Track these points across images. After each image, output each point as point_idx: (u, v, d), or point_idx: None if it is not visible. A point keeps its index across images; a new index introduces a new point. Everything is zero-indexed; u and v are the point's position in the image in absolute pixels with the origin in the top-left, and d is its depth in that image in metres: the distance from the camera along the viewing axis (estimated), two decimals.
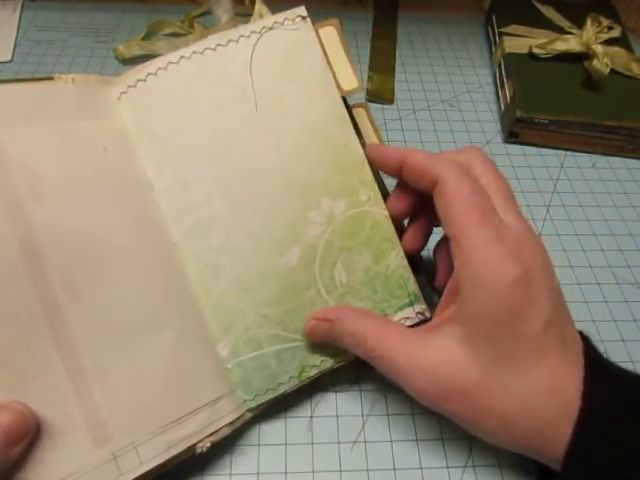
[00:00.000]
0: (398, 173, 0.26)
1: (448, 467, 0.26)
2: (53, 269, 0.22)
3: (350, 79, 0.28)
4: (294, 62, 0.27)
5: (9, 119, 0.23)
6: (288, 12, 0.28)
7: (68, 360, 0.22)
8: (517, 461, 0.26)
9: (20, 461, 0.21)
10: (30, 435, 0.21)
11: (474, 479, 0.26)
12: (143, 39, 0.48)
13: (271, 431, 0.27)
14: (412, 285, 0.28)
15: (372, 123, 0.30)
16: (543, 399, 0.22)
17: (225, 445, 0.26)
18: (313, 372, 0.27)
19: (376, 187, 0.28)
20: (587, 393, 0.21)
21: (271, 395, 0.26)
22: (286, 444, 0.27)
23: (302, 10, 0.28)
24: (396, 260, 0.27)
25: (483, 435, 0.24)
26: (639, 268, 0.35)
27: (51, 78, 0.25)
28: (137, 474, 0.22)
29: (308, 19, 0.28)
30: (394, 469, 0.26)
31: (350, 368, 0.28)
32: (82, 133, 0.25)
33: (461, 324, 0.23)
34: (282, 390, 0.26)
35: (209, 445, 0.24)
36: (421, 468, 0.26)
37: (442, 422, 0.28)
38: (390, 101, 0.46)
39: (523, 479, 0.26)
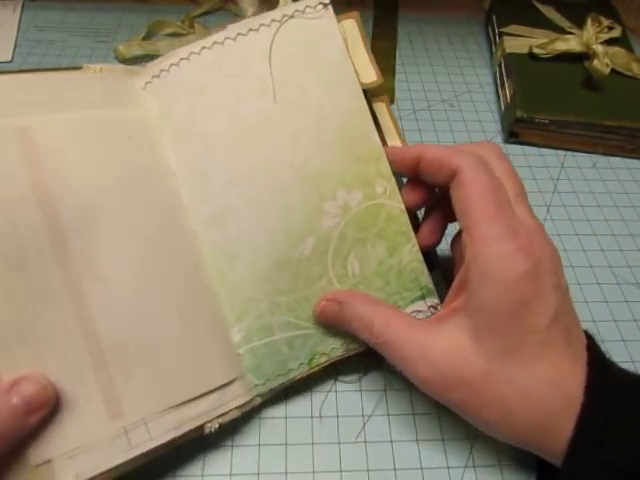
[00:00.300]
0: (414, 170, 0.26)
1: (448, 467, 0.26)
2: (77, 251, 0.23)
3: (369, 72, 0.28)
4: (314, 51, 0.27)
5: (37, 106, 0.24)
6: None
7: (88, 336, 0.23)
8: (517, 461, 0.27)
9: (38, 429, 0.22)
10: (50, 407, 0.22)
11: (474, 479, 0.26)
12: (143, 39, 0.48)
13: (271, 431, 0.27)
14: (425, 279, 0.28)
15: (391, 116, 0.30)
16: (546, 392, 0.22)
17: (225, 445, 0.27)
18: (323, 359, 0.27)
19: (393, 180, 0.28)
20: (590, 389, 0.21)
21: (282, 380, 0.26)
22: (286, 444, 0.27)
23: None
24: (410, 254, 0.27)
25: (484, 426, 0.24)
26: (639, 268, 0.35)
27: (79, 67, 0.26)
28: (146, 449, 0.23)
29: (330, 7, 0.27)
30: (394, 469, 0.26)
31: (357, 362, 0.28)
32: (108, 121, 0.25)
33: (468, 315, 0.23)
34: (292, 375, 0.27)
35: (217, 426, 0.25)
36: (421, 468, 0.26)
37: (442, 422, 0.28)
38: (390, 101, 0.46)
39: (523, 479, 0.26)
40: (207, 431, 0.25)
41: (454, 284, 0.25)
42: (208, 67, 0.27)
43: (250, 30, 0.27)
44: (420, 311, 0.28)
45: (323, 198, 0.27)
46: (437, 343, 0.23)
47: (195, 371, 0.25)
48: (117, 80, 0.26)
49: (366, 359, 0.30)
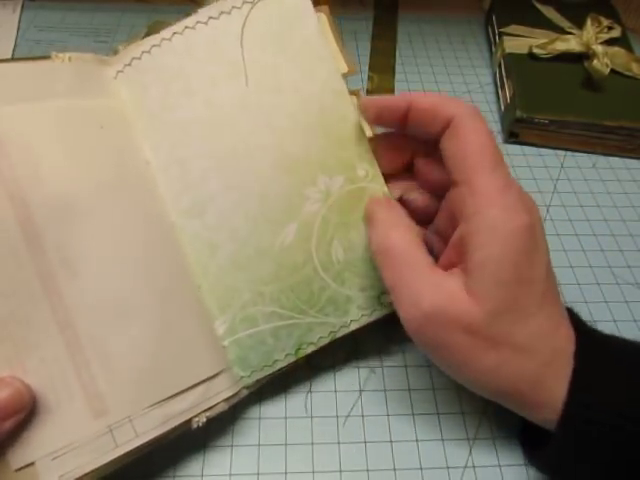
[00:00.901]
0: (401, 121, 0.25)
1: (448, 467, 0.26)
2: (51, 246, 0.23)
3: (340, 65, 0.27)
4: (288, 32, 0.26)
5: (5, 96, 0.23)
6: None
7: (67, 333, 0.23)
8: (517, 461, 0.27)
9: (18, 432, 0.21)
10: (25, 411, 0.21)
11: (474, 479, 0.26)
12: (143, 39, 0.48)
13: (271, 431, 0.27)
14: None
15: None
16: (540, 344, 0.22)
17: (225, 445, 0.27)
18: (310, 349, 0.27)
19: (375, 163, 0.27)
20: (578, 339, 0.22)
21: (267, 371, 0.26)
22: (286, 444, 0.27)
23: None
24: None
25: (474, 376, 0.23)
26: (639, 268, 0.35)
27: (48, 57, 0.25)
28: (132, 446, 0.23)
29: None
30: (394, 469, 0.26)
31: (356, 364, 0.29)
32: (79, 111, 0.25)
33: (470, 272, 0.22)
34: (278, 367, 0.26)
35: (205, 420, 0.24)
36: (421, 468, 0.26)
37: (442, 422, 0.28)
38: None
39: (522, 479, 0.26)
40: (195, 426, 0.24)
41: (449, 247, 0.24)
42: (180, 52, 0.26)
43: (222, 13, 0.26)
44: None
45: (304, 183, 0.26)
46: (447, 283, 0.22)
47: (179, 365, 0.24)
48: (87, 69, 0.26)
49: (366, 362, 0.30)
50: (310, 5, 0.27)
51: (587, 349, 0.22)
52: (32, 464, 0.21)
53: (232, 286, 0.26)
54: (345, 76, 0.27)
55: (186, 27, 0.26)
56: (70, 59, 0.25)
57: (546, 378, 0.22)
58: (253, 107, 0.26)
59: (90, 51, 0.50)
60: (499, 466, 0.26)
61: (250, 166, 0.26)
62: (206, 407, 0.25)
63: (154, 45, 0.26)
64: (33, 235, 0.22)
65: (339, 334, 0.27)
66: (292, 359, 0.27)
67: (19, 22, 0.51)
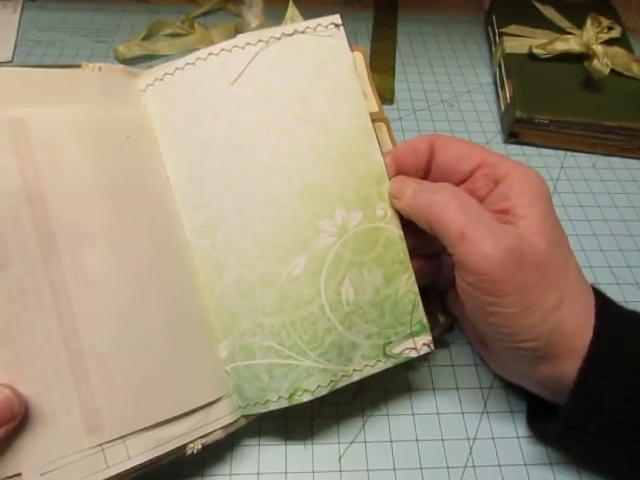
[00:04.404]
0: (427, 164, 0.27)
1: (448, 467, 0.26)
2: (65, 253, 0.22)
3: (371, 103, 0.28)
4: (322, 66, 0.27)
5: (34, 99, 0.23)
6: (322, 19, 0.27)
7: (70, 343, 0.22)
8: (517, 461, 0.27)
9: (7, 441, 0.21)
10: (15, 421, 0.21)
11: (474, 479, 0.26)
12: (143, 39, 0.48)
13: (271, 431, 0.27)
14: (420, 313, 0.26)
15: (392, 139, 0.30)
16: (578, 302, 0.24)
17: (225, 445, 0.27)
18: (305, 398, 0.24)
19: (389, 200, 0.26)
20: (601, 312, 0.24)
21: (260, 409, 0.25)
22: (286, 444, 0.27)
23: (337, 18, 0.27)
24: (407, 285, 0.26)
25: (538, 321, 0.23)
26: (639, 268, 0.35)
27: (78, 65, 0.25)
28: (123, 469, 0.22)
29: (342, 27, 0.27)
30: (394, 469, 0.26)
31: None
32: (106, 118, 0.25)
33: (521, 218, 0.24)
34: (270, 408, 0.25)
35: (200, 447, 0.24)
36: (421, 468, 0.26)
37: (442, 422, 0.28)
38: (390, 101, 0.46)
39: (522, 479, 0.26)
40: (189, 452, 0.24)
41: (492, 206, 0.25)
42: (213, 73, 0.26)
43: (259, 41, 0.27)
44: (414, 349, 0.26)
45: (319, 215, 0.25)
46: (512, 228, 0.24)
47: (180, 387, 0.24)
48: (116, 80, 0.26)
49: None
50: (346, 44, 0.27)
51: (608, 322, 0.24)
52: (19, 475, 0.21)
53: (234, 311, 0.25)
54: (373, 116, 0.27)
55: (223, 49, 0.26)
56: (100, 69, 0.26)
57: (575, 343, 0.23)
58: (278, 132, 0.26)
59: (90, 51, 0.51)
60: (499, 466, 0.26)
61: (267, 190, 0.26)
62: (203, 434, 0.24)
63: (188, 63, 0.27)
64: (48, 239, 0.22)
65: (340, 384, 0.25)
66: (285, 404, 0.25)
67: (19, 22, 0.51)
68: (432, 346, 0.26)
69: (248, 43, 0.27)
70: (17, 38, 0.49)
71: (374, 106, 0.28)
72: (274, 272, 0.25)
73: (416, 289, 0.26)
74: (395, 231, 0.26)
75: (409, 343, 0.26)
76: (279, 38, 0.27)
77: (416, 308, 0.26)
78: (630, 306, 0.33)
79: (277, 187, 0.26)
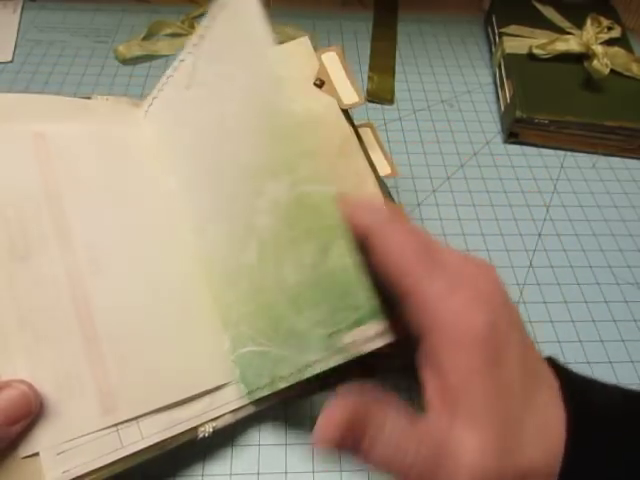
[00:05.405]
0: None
1: None
2: (81, 246, 0.24)
3: (351, 94, 0.29)
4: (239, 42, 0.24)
5: (51, 118, 0.27)
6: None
7: (86, 328, 0.23)
8: None
9: (21, 433, 0.21)
10: (32, 416, 0.21)
11: None
12: (143, 39, 0.48)
13: (271, 431, 0.27)
14: (365, 293, 0.19)
15: (378, 141, 0.30)
16: (535, 440, 0.18)
17: (225, 445, 0.27)
18: (282, 384, 0.23)
19: (321, 158, 0.21)
20: (570, 446, 0.18)
21: (260, 394, 0.25)
22: (286, 444, 0.27)
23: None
24: (341, 256, 0.20)
25: None
26: (639, 268, 0.36)
27: (89, 97, 0.30)
28: (137, 448, 0.23)
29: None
30: None
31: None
32: (115, 135, 0.28)
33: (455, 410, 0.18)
34: (264, 393, 0.24)
35: (211, 431, 0.24)
36: None
37: None
38: (390, 101, 0.46)
39: None
40: (201, 435, 0.24)
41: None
42: (179, 86, 0.27)
43: (200, 37, 0.26)
44: (367, 338, 0.20)
45: (257, 193, 0.23)
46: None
47: (190, 371, 0.25)
48: (122, 108, 0.30)
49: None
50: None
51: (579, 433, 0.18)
52: (37, 454, 0.21)
53: (227, 303, 0.26)
54: (355, 105, 0.28)
55: (181, 60, 0.27)
56: (107, 99, 0.30)
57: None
58: (236, 128, 0.24)
59: (90, 51, 0.51)
60: None
61: (228, 183, 0.26)
62: (213, 417, 0.25)
63: (164, 83, 0.28)
64: (65, 233, 0.24)
65: (306, 374, 0.22)
66: (268, 391, 0.24)
67: (19, 22, 0.51)
68: (388, 337, 0.20)
69: (194, 44, 0.27)
70: (17, 38, 0.49)
71: (354, 97, 0.29)
72: (236, 262, 0.25)
73: (352, 262, 0.20)
74: (323, 190, 0.20)
75: (358, 332, 0.20)
76: (209, 26, 0.26)
77: (358, 286, 0.20)
78: (630, 306, 0.33)
79: (231, 179, 0.25)
